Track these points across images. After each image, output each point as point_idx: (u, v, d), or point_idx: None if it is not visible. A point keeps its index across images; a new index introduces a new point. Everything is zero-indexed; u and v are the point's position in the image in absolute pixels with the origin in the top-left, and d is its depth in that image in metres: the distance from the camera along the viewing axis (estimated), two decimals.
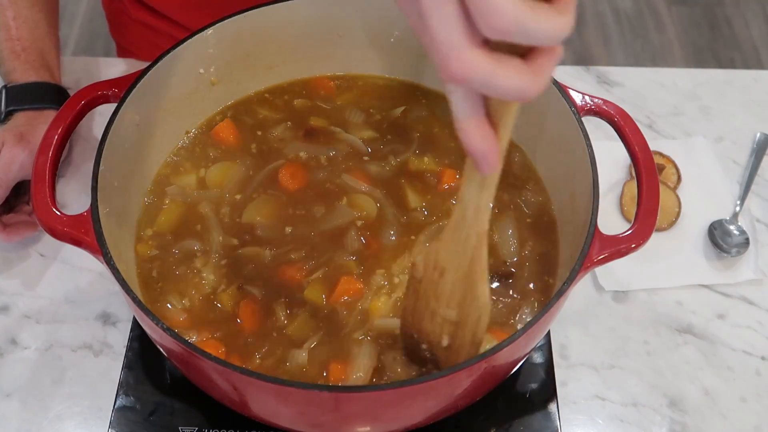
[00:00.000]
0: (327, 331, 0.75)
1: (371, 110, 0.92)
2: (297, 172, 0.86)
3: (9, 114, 0.94)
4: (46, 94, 0.96)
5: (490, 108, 0.48)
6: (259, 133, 0.90)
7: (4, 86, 0.96)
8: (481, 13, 0.41)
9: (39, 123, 0.93)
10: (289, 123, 0.90)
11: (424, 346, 0.68)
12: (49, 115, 0.94)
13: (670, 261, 0.93)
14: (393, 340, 0.74)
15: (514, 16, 0.41)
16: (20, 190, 0.93)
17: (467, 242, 0.58)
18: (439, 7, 0.43)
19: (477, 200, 0.55)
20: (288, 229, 0.81)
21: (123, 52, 1.27)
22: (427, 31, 0.45)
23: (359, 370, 0.72)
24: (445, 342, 0.65)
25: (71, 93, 0.96)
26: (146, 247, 0.80)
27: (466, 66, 0.43)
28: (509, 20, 0.41)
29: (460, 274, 0.60)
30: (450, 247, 0.60)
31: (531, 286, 0.78)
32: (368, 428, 0.71)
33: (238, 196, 0.84)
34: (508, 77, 0.44)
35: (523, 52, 0.45)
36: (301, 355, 0.73)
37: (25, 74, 0.96)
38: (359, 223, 0.82)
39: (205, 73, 0.87)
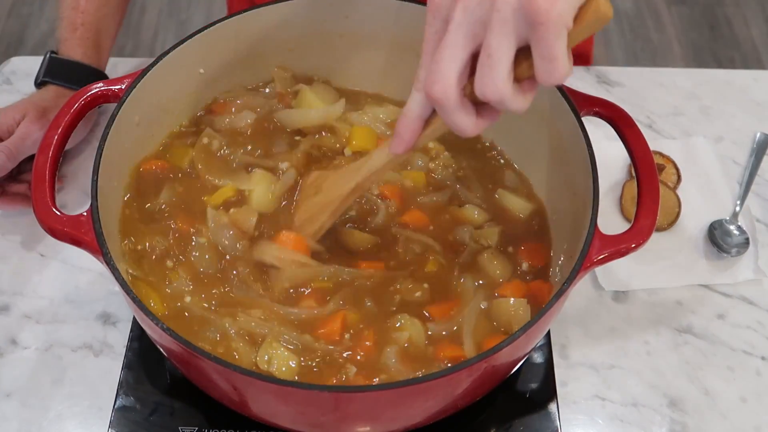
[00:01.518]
0: None
1: None
2: None
3: (43, 83, 0.97)
4: (81, 76, 0.97)
5: (431, 117, 0.61)
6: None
7: (50, 52, 0.98)
8: (483, 82, 0.53)
9: (64, 102, 0.93)
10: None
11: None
12: None
13: (670, 261, 0.93)
14: None
15: (502, 95, 0.53)
16: (28, 165, 0.95)
17: (346, 185, 0.73)
18: (456, 48, 0.54)
19: (375, 163, 0.70)
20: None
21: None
22: (437, 53, 0.55)
23: None
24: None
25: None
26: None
27: (443, 97, 0.55)
28: (498, 97, 0.53)
29: (323, 202, 0.76)
30: (337, 179, 0.75)
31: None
32: (368, 428, 0.71)
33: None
34: (462, 119, 0.56)
35: (479, 102, 0.56)
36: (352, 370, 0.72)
37: (73, 50, 0.98)
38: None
39: (205, 73, 0.87)
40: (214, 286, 0.77)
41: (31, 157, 0.93)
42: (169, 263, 0.78)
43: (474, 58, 0.54)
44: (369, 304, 0.76)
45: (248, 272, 0.77)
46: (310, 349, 0.72)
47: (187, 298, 0.75)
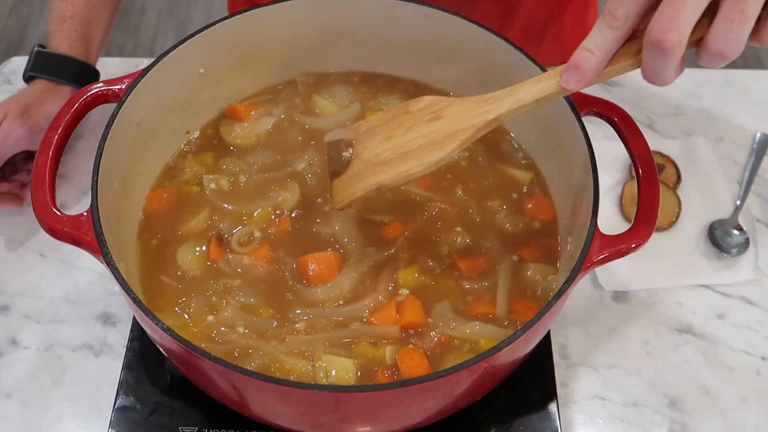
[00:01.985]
0: None
1: None
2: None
3: (31, 78, 0.96)
4: (68, 69, 0.96)
5: (615, 55, 0.59)
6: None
7: (38, 45, 0.97)
8: (728, 37, 0.52)
9: (50, 97, 0.94)
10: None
11: (347, 154, 0.75)
12: (64, 90, 0.95)
13: (670, 261, 0.93)
14: None
15: (738, 52, 0.53)
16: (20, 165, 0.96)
17: (482, 116, 0.66)
18: (696, 6, 0.52)
19: (525, 96, 0.64)
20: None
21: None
22: (676, 7, 0.52)
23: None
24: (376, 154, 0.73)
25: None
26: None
27: (675, 47, 0.53)
28: (736, 53, 0.53)
29: (448, 130, 0.68)
30: (467, 108, 0.68)
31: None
32: (368, 428, 0.71)
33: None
34: (672, 71, 0.55)
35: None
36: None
37: (60, 43, 0.97)
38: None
39: (205, 73, 0.87)
40: (259, 312, 0.77)
41: (17, 156, 0.94)
42: (213, 299, 0.78)
43: None
44: (422, 258, 0.80)
45: (292, 297, 0.78)
46: (362, 338, 0.74)
47: (241, 329, 0.75)
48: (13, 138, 0.90)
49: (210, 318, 0.76)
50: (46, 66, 0.96)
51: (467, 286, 0.79)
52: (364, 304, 0.77)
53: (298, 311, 0.76)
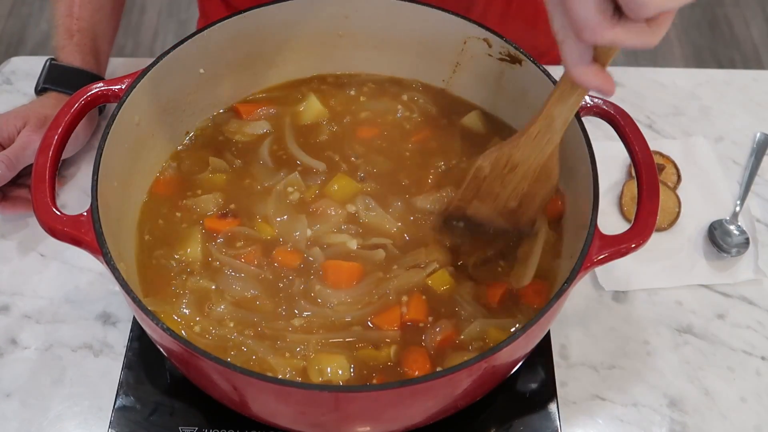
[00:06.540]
0: None
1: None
2: None
3: (44, 90, 0.96)
4: (82, 82, 0.95)
5: (595, 51, 0.60)
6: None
7: (50, 59, 0.98)
8: (631, 7, 0.53)
9: None
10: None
11: (461, 224, 0.81)
12: None
13: (670, 261, 0.93)
14: None
15: (657, 5, 0.53)
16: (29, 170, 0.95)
17: (548, 144, 0.72)
18: None
19: (566, 115, 0.69)
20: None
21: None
22: (567, 8, 0.55)
23: None
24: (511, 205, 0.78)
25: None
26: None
27: (598, 36, 0.55)
28: (655, 8, 0.53)
29: (532, 167, 0.74)
30: (527, 149, 0.73)
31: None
32: (368, 428, 0.71)
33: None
34: (633, 40, 0.56)
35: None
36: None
37: (71, 56, 0.98)
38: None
39: (205, 73, 0.87)
40: (257, 308, 0.77)
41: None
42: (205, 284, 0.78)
43: None
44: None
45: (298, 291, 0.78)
46: (362, 341, 0.74)
47: (231, 324, 0.75)
48: (31, 149, 0.90)
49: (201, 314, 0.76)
50: (62, 79, 0.97)
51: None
52: (369, 310, 0.76)
53: (297, 311, 0.76)
